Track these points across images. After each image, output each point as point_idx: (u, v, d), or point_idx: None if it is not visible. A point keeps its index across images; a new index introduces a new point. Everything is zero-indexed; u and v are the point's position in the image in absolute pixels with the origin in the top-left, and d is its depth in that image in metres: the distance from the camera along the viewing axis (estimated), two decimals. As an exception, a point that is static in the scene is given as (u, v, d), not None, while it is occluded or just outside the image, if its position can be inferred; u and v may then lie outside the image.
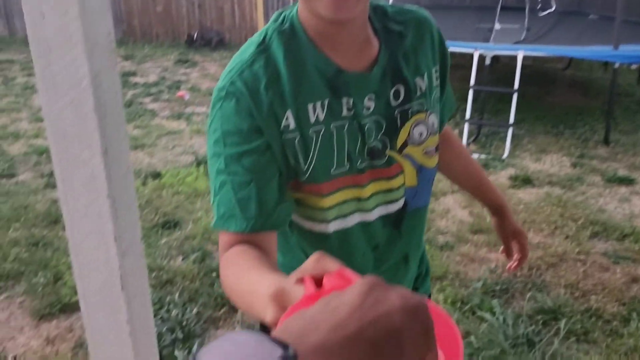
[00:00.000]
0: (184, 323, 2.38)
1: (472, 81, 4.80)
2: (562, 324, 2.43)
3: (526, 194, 3.93)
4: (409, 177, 0.93)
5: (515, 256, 1.27)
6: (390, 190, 0.91)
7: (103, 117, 1.21)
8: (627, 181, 4.13)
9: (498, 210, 1.27)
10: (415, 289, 1.10)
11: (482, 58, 4.78)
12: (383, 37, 0.88)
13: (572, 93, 6.75)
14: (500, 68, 6.96)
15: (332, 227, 0.90)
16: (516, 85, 4.70)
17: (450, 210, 3.66)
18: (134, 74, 7.51)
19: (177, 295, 2.62)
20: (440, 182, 4.09)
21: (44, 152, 4.47)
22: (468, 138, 4.88)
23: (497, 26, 5.61)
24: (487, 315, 2.49)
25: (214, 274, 2.79)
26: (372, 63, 0.86)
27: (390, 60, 0.87)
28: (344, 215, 0.89)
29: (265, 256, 0.76)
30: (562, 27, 5.64)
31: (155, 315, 2.27)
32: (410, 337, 0.35)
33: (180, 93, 6.52)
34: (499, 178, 4.21)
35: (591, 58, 5.22)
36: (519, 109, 5.70)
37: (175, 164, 4.41)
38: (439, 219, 3.52)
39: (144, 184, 3.94)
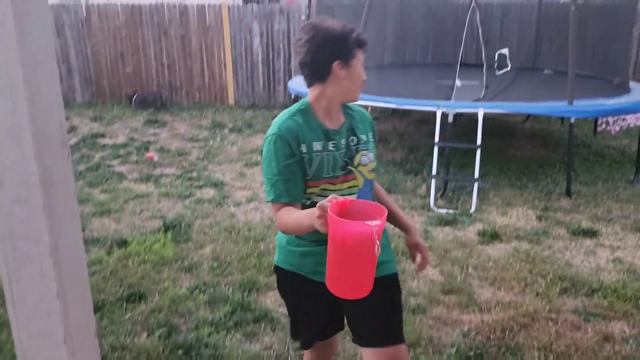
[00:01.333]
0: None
1: (437, 138, 4.92)
2: (537, 389, 2.40)
3: (495, 250, 3.96)
4: (359, 181, 1.78)
5: (418, 259, 1.95)
6: (350, 187, 1.76)
7: (53, 212, 1.18)
8: (590, 233, 4.22)
9: (407, 229, 1.95)
10: None
11: (444, 115, 4.93)
12: (345, 114, 1.81)
13: (532, 145, 6.99)
14: (463, 122, 7.18)
15: (317, 200, 1.60)
16: (479, 141, 4.83)
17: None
18: (102, 135, 7.46)
19: (140, 375, 2.50)
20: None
21: None
22: (435, 194, 4.94)
23: (458, 83, 5.82)
24: (462, 383, 2.43)
25: (181, 351, 2.68)
26: (341, 125, 1.77)
27: (349, 124, 1.79)
28: (324, 196, 1.58)
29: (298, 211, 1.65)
30: (519, 84, 5.90)
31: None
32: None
33: (149, 154, 6.48)
34: (468, 234, 4.25)
35: (548, 114, 5.43)
36: (483, 162, 5.84)
37: (143, 229, 4.32)
38: (410, 280, 3.50)
39: (109, 253, 3.83)
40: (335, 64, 1.64)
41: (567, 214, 4.67)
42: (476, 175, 4.85)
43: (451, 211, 4.68)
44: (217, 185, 5.42)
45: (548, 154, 6.59)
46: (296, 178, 1.67)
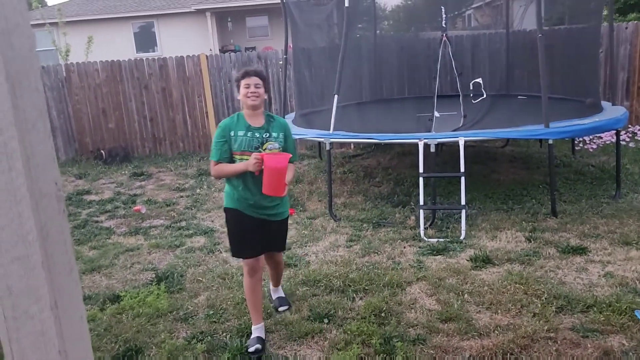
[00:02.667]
0: None
1: (421, 169, 5.00)
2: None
3: (488, 275, 3.99)
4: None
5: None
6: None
7: (52, 268, 1.19)
8: (580, 250, 4.28)
9: None
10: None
11: (427, 146, 5.04)
12: (267, 120, 3.18)
13: (514, 168, 7.12)
14: (446, 151, 7.32)
15: (239, 162, 3.10)
16: (462, 168, 4.93)
17: (417, 300, 3.65)
18: (88, 192, 7.44)
19: None
20: (405, 270, 4.12)
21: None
22: (425, 223, 4.99)
23: (437, 114, 5.96)
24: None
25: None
26: (261, 125, 3.14)
27: (267, 126, 3.15)
28: (244, 160, 3.05)
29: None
30: (496, 110, 6.06)
31: None
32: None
33: (136, 207, 6.46)
34: (460, 261, 4.28)
35: (526, 138, 5.57)
36: (469, 188, 5.93)
37: (135, 283, 4.27)
38: (408, 311, 3.50)
39: (102, 309, 3.78)
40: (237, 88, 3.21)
41: (555, 233, 4.73)
42: (463, 202, 4.92)
43: (442, 240, 4.72)
44: (207, 232, 5.41)
45: (530, 175, 6.72)
46: (225, 149, 3.10)
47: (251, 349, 3.09)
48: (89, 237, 5.50)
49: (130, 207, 6.56)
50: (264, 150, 3.08)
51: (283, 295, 3.72)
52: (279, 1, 7.26)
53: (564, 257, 4.22)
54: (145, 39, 19.79)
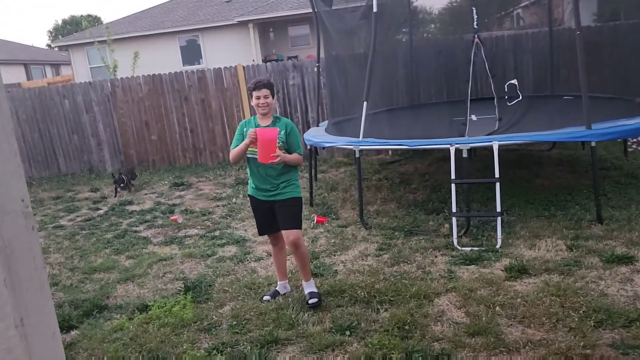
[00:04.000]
0: None
1: (453, 175, 4.83)
2: None
3: (523, 286, 3.78)
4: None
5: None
6: None
7: (18, 286, 1.18)
8: (626, 260, 3.99)
9: None
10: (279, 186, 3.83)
11: (459, 151, 4.86)
12: (274, 120, 3.84)
13: (559, 173, 6.78)
14: (485, 155, 7.06)
15: (250, 155, 3.78)
16: (496, 174, 4.72)
17: (445, 312, 3.50)
18: (130, 202, 7.66)
19: None
20: (434, 280, 3.97)
21: None
22: (459, 231, 4.81)
23: (473, 118, 5.77)
24: None
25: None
26: (268, 124, 3.81)
27: (273, 124, 3.80)
28: (252, 150, 3.74)
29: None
30: (537, 112, 5.79)
31: None
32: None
33: (173, 217, 6.59)
34: (494, 270, 4.09)
35: (565, 140, 5.28)
36: (509, 194, 5.69)
37: (165, 292, 4.33)
38: (434, 324, 3.36)
39: (130, 319, 3.84)
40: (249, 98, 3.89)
41: (600, 241, 4.44)
42: (498, 209, 4.71)
43: (476, 248, 4.53)
44: (239, 242, 5.44)
45: (576, 180, 6.38)
46: (240, 140, 3.77)
47: (265, 298, 3.93)
48: (126, 247, 5.65)
49: (168, 216, 6.71)
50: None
51: (314, 290, 3.85)
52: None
53: (607, 266, 3.95)
54: (191, 52, 20.36)
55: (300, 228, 3.80)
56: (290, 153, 3.75)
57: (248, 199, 4.09)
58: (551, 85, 7.88)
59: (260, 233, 4.09)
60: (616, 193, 5.67)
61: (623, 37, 7.19)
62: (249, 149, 3.71)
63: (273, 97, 3.78)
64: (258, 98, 3.72)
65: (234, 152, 3.79)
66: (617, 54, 6.99)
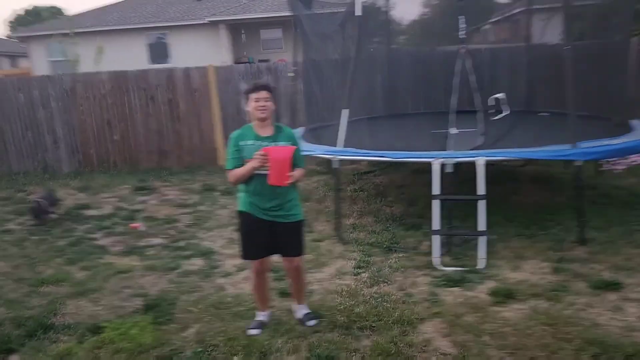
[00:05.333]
0: None
1: (435, 190, 4.60)
2: None
3: (511, 312, 3.56)
4: None
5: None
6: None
7: None
8: (614, 286, 3.84)
9: None
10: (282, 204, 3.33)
11: (442, 166, 4.64)
12: (275, 130, 3.33)
13: (536, 190, 6.67)
14: (463, 168, 6.90)
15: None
16: (482, 191, 4.51)
17: (431, 341, 3.24)
18: (87, 206, 7.14)
19: None
20: (417, 304, 3.72)
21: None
22: (440, 250, 4.57)
23: (454, 131, 5.57)
24: None
25: None
26: (270, 135, 3.29)
27: (275, 135, 3.30)
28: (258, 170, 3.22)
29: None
30: (518, 128, 5.64)
31: None
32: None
33: (133, 224, 6.14)
34: (479, 294, 3.86)
35: (552, 159, 5.13)
36: (487, 211, 5.49)
37: (121, 310, 3.92)
38: (419, 354, 3.09)
39: (80, 342, 3.42)
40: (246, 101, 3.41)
41: (585, 264, 4.29)
42: (482, 227, 4.50)
43: (459, 269, 4.31)
44: (206, 254, 5.06)
45: (553, 197, 6.27)
46: (238, 157, 3.25)
47: (252, 332, 3.41)
48: (81, 257, 5.17)
49: (129, 223, 6.24)
50: None
51: (309, 311, 3.59)
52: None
53: (595, 293, 3.78)
54: (159, 51, 19.73)
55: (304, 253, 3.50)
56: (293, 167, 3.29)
57: (238, 215, 3.40)
58: (528, 101, 7.80)
59: (248, 257, 3.42)
60: (595, 213, 5.56)
61: (596, 56, 7.17)
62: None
63: (272, 102, 3.29)
64: (257, 100, 3.22)
65: (235, 175, 3.24)
66: (589, 73, 6.97)
